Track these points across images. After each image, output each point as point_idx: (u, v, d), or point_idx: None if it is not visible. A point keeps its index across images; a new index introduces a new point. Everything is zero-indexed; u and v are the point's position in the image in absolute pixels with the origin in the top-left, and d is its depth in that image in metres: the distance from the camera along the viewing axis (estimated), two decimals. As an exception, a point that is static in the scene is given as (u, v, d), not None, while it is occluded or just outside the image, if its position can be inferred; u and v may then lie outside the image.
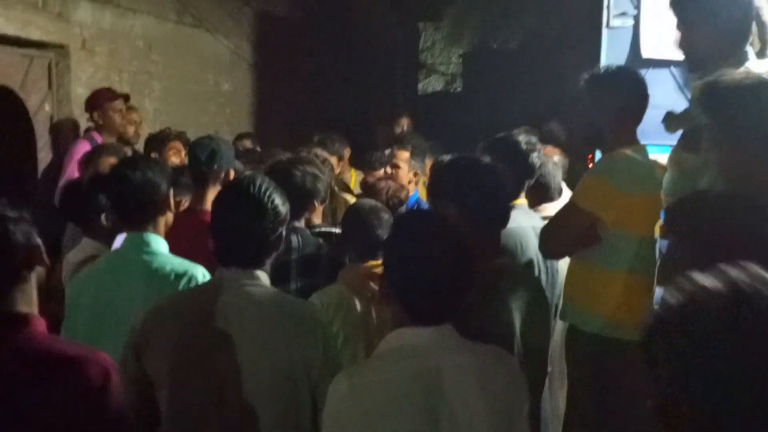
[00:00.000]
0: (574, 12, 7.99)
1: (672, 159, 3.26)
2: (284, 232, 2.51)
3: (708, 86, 2.38)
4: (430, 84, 14.02)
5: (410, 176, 4.91)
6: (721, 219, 2.07)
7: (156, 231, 2.91)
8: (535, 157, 3.54)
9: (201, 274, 2.78)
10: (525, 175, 3.52)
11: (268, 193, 2.43)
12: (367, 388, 1.94)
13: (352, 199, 4.78)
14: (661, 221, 3.13)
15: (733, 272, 1.20)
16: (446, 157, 2.76)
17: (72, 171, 5.17)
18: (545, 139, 5.71)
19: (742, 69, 2.83)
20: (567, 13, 8.56)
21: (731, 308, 1.13)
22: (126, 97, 5.64)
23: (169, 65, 7.11)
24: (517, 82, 9.81)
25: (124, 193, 2.92)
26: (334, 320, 3.03)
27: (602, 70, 3.32)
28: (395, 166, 5.08)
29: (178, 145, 5.44)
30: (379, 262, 3.09)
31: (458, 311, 2.06)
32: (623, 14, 5.19)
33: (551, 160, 4.29)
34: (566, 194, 4.66)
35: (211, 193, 3.43)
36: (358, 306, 3.10)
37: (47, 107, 5.84)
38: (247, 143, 6.48)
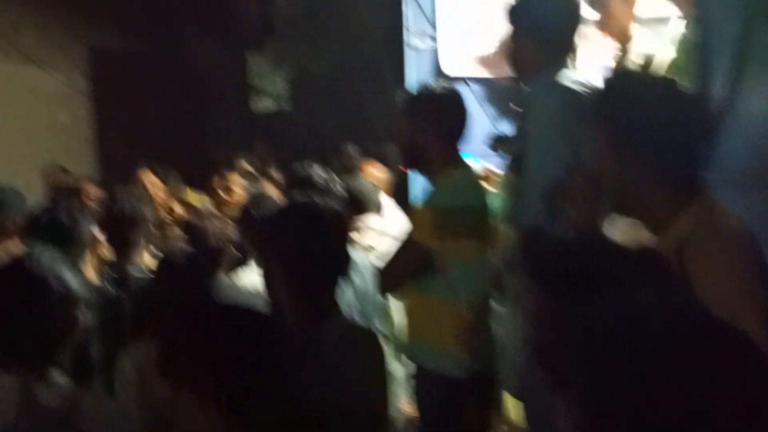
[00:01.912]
0: (376, 35, 7.35)
1: (502, 183, 2.62)
2: (80, 315, 1.61)
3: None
4: (262, 104, 13.07)
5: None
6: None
7: None
8: (335, 190, 2.81)
9: None
10: None
11: (50, 266, 1.53)
12: None
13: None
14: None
15: None
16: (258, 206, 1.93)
17: None
18: (369, 154, 5.08)
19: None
20: (370, 37, 7.91)
21: None
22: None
23: (-1, 102, 5.83)
24: (338, 100, 9.14)
25: None
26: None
27: (419, 90, 2.58)
28: (228, 190, 4.26)
29: None
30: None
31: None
32: (422, 34, 4.55)
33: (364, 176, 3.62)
34: (390, 208, 3.99)
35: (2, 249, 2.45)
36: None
37: None
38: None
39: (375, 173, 4.29)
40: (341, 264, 1.81)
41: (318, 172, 2.83)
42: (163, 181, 4.45)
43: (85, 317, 1.64)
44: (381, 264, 2.45)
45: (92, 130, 7.29)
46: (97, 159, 7.25)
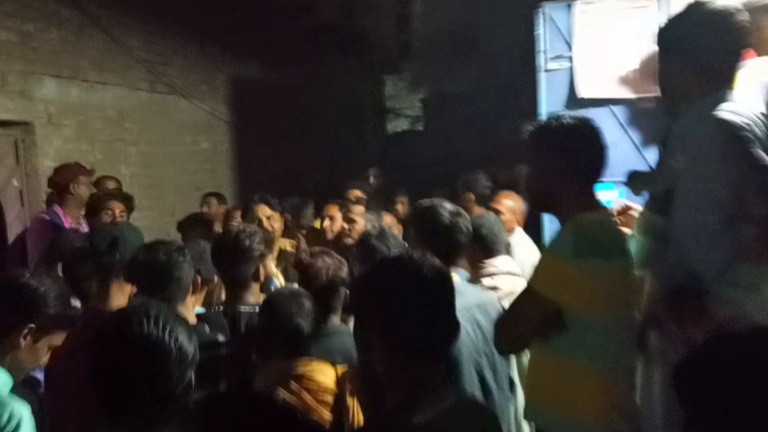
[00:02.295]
0: (512, 57, 7.04)
1: (641, 224, 2.25)
2: (192, 377, 1.50)
3: None
4: (397, 125, 13.11)
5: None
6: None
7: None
8: (461, 227, 2.48)
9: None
10: (451, 248, 2.46)
11: (168, 328, 1.45)
12: None
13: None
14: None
15: None
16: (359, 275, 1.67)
17: (33, 248, 4.14)
18: (504, 180, 4.83)
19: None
20: (506, 59, 7.59)
21: None
22: (91, 171, 4.57)
23: (144, 131, 6.10)
24: (470, 122, 8.92)
25: None
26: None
27: (549, 123, 2.17)
28: (351, 221, 4.12)
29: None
30: (305, 360, 2.13)
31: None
32: (558, 57, 4.23)
33: (490, 214, 3.31)
34: (520, 243, 3.68)
35: (116, 289, 2.40)
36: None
37: (15, 182, 4.80)
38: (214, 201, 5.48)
39: (510, 205, 3.98)
40: (447, 332, 1.54)
41: (445, 208, 2.54)
42: (281, 213, 4.39)
43: (193, 376, 1.51)
44: (499, 318, 2.13)
45: (233, 157, 7.50)
46: (238, 185, 7.42)
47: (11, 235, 4.68)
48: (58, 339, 1.96)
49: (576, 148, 2.04)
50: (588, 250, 1.93)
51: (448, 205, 2.55)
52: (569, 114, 2.21)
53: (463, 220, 2.48)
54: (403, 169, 8.35)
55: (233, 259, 2.69)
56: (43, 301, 1.89)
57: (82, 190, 4.46)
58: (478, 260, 3.03)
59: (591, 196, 2.09)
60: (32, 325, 1.87)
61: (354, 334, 1.58)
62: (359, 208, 4.15)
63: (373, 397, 2.16)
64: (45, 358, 1.96)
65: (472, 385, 2.25)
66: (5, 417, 1.75)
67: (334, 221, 4.38)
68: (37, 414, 1.89)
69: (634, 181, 2.64)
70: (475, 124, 8.89)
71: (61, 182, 4.45)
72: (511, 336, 2.06)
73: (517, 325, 2.04)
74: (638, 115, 4.19)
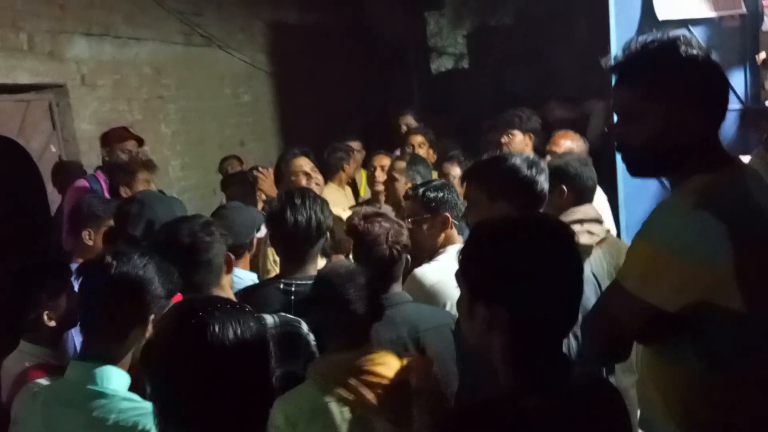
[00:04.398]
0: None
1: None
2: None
3: None
4: (441, 64, 12.49)
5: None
6: None
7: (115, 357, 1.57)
8: (542, 183, 2.05)
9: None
10: (530, 204, 2.03)
11: (239, 339, 1.18)
12: None
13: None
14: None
15: None
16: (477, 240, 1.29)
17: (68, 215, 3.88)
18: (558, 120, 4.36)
19: None
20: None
21: None
22: (138, 139, 4.28)
23: (183, 86, 5.74)
24: (517, 56, 8.28)
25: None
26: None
27: (648, 50, 1.54)
28: (391, 179, 3.70)
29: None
30: (363, 351, 1.81)
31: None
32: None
33: (576, 158, 2.79)
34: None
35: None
36: (342, 415, 1.78)
37: (53, 148, 4.54)
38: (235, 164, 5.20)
39: (569, 146, 3.51)
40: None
41: (523, 158, 2.07)
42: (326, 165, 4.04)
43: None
44: (590, 317, 1.57)
45: (276, 108, 7.12)
46: (282, 136, 7.07)
47: (54, 204, 4.44)
48: None
49: (703, 85, 1.51)
50: (720, 233, 1.35)
51: (525, 155, 2.13)
52: (672, 34, 1.65)
53: (543, 171, 2.06)
54: (447, 109, 7.86)
55: (286, 233, 2.33)
56: (152, 285, 1.58)
57: (117, 156, 4.21)
58: (568, 205, 2.57)
59: (716, 148, 1.52)
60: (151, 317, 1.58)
61: (458, 310, 1.34)
62: (401, 164, 3.70)
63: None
64: None
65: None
66: None
67: (383, 172, 3.97)
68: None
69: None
70: (523, 59, 8.27)
71: (101, 148, 4.28)
72: (609, 339, 1.54)
73: (607, 330, 1.53)
74: (722, 36, 3.68)
